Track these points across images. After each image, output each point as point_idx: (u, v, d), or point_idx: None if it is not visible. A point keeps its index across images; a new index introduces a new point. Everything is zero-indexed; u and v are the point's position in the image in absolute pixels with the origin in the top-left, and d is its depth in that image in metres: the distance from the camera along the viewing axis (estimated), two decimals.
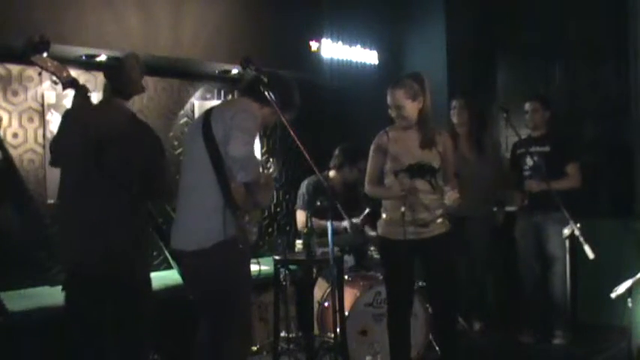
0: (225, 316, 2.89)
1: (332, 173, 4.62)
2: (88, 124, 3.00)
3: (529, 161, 4.53)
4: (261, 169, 3.06)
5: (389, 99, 3.42)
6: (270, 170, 3.05)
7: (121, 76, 3.09)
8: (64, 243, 3.06)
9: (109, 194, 2.94)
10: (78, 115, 3.09)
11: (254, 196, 2.87)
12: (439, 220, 3.45)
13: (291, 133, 2.89)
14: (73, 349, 2.99)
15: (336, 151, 4.62)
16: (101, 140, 2.94)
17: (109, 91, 3.12)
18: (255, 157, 2.86)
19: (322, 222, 3.99)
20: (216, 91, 5.09)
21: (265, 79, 2.91)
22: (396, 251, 3.47)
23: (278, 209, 5.55)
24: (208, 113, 2.97)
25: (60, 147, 3.07)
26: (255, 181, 2.84)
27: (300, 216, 4.53)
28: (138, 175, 2.99)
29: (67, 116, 3.14)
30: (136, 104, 4.38)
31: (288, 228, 5.59)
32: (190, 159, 3.00)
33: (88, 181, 2.94)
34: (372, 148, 3.55)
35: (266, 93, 2.88)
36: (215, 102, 5.02)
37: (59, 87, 3.08)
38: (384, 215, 3.53)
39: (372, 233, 4.63)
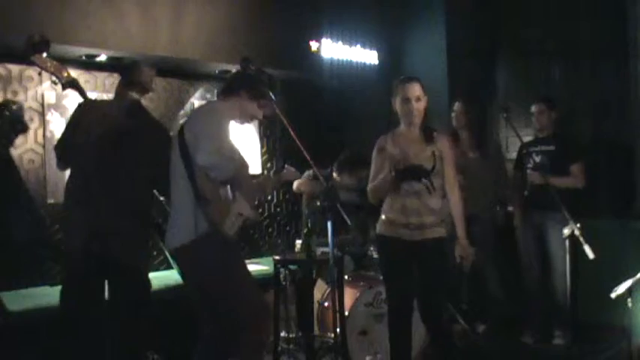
0: (227, 310, 2.94)
1: (334, 174, 4.62)
2: (98, 120, 3.05)
3: (533, 159, 4.53)
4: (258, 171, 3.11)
5: (408, 92, 3.39)
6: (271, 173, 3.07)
7: (135, 72, 3.19)
8: (74, 228, 3.11)
9: (120, 186, 3.01)
10: (87, 114, 3.13)
11: (239, 189, 2.90)
12: (435, 224, 3.43)
13: (291, 133, 2.89)
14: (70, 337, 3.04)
15: (341, 155, 4.61)
16: (114, 133, 3.00)
17: (122, 86, 3.20)
18: (224, 153, 2.85)
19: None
20: (216, 91, 5.07)
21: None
22: (393, 249, 3.47)
23: (278, 209, 5.55)
24: (185, 122, 3.07)
25: (69, 148, 3.13)
26: (236, 175, 2.87)
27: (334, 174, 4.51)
28: (147, 166, 3.07)
29: (75, 117, 3.19)
30: None
31: (288, 228, 5.59)
32: (171, 166, 3.05)
33: (99, 173, 3.01)
34: (373, 153, 3.56)
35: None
36: None
37: (59, 87, 3.09)
38: (382, 216, 3.53)
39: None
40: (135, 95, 3.19)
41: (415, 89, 3.40)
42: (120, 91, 3.22)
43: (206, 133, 2.85)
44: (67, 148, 3.16)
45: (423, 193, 3.38)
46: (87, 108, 3.17)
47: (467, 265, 3.54)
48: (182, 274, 3.08)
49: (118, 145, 3.01)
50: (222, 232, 2.84)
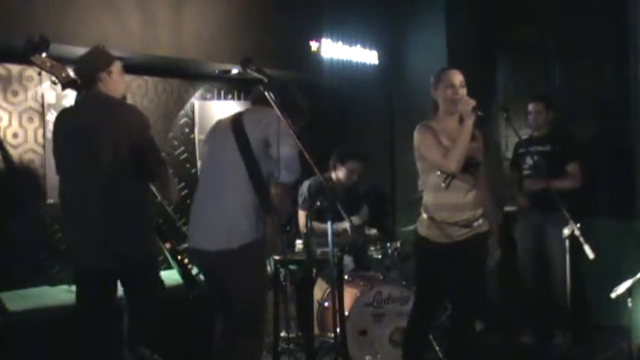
0: (244, 314, 2.98)
1: (333, 175, 4.62)
2: (71, 123, 3.03)
3: (529, 160, 4.53)
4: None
5: (453, 78, 3.35)
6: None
7: (85, 70, 3.10)
8: (71, 241, 3.10)
9: (107, 186, 2.93)
10: (63, 121, 3.11)
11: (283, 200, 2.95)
12: (481, 219, 3.35)
13: (292, 133, 2.89)
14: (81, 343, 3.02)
15: (335, 152, 4.62)
16: (88, 134, 2.94)
17: (83, 86, 3.12)
18: (298, 161, 2.91)
19: (323, 225, 3.97)
20: (216, 91, 5.08)
21: (273, 88, 2.92)
22: (436, 255, 3.37)
23: None
24: (238, 117, 3.04)
25: (57, 156, 3.10)
26: (290, 185, 2.92)
27: (301, 217, 4.53)
28: (128, 156, 2.95)
29: (56, 125, 3.16)
30: (135, 105, 4.37)
31: (288, 228, 5.58)
32: (217, 160, 3.03)
33: (83, 177, 2.95)
34: (421, 135, 3.34)
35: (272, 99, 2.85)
36: (215, 102, 5.02)
37: (59, 87, 3.09)
38: (424, 215, 3.41)
39: (372, 231, 4.64)
40: (98, 87, 3.07)
41: (459, 76, 3.37)
42: (84, 91, 3.12)
43: (287, 132, 2.78)
44: (55, 159, 3.14)
45: (469, 187, 3.30)
46: (59, 118, 3.14)
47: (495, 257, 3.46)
48: (213, 274, 3.08)
49: (91, 146, 2.92)
50: (275, 242, 2.92)
